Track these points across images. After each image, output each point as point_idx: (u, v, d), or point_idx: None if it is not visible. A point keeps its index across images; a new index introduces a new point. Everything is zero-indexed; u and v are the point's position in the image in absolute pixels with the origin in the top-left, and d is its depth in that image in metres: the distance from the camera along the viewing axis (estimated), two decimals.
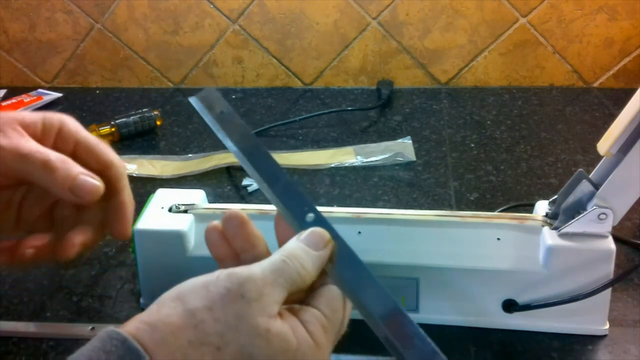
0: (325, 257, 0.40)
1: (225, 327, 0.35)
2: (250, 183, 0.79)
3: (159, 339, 0.34)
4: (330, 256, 0.40)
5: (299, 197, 0.43)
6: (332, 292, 0.40)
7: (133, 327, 0.35)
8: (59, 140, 0.45)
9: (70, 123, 0.46)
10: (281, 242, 0.43)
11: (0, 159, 0.42)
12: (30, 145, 0.42)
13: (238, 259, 0.43)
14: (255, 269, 0.37)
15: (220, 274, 0.37)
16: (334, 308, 0.40)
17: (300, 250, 0.39)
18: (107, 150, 0.46)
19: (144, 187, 0.80)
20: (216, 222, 0.45)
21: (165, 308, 0.35)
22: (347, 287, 0.40)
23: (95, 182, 0.43)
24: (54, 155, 0.42)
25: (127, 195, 0.47)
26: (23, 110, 0.46)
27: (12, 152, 0.41)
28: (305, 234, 0.41)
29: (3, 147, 0.41)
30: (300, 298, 0.40)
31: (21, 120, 0.43)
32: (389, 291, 0.40)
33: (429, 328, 0.55)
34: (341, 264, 0.41)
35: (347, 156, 0.85)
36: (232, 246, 0.44)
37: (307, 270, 0.39)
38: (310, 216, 0.42)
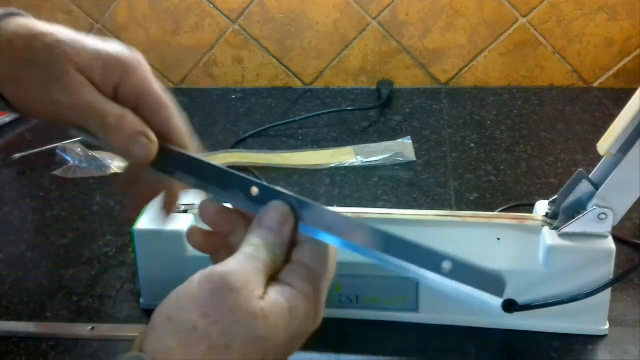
0: (290, 230, 0.40)
1: (225, 324, 0.35)
2: None
3: None
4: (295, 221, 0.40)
5: (235, 179, 0.42)
6: (311, 243, 0.40)
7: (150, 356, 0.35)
8: (119, 91, 0.43)
9: (136, 75, 0.43)
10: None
11: (60, 115, 0.41)
12: (88, 98, 0.41)
13: (228, 244, 0.43)
14: (231, 263, 0.37)
15: (201, 277, 0.36)
16: (314, 255, 0.40)
17: (264, 239, 0.39)
18: (169, 120, 0.43)
19: None
20: (193, 226, 0.45)
21: (163, 334, 0.35)
22: (323, 235, 0.40)
23: (145, 144, 0.41)
24: (112, 113, 0.41)
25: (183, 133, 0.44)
26: (84, 39, 0.42)
27: (70, 109, 0.41)
28: (264, 218, 0.40)
29: (62, 104, 0.41)
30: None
31: (79, 65, 0.41)
32: (361, 221, 0.39)
33: (429, 328, 0.56)
34: (305, 219, 0.40)
35: (347, 156, 0.85)
36: (218, 234, 0.44)
37: (277, 254, 0.39)
38: (255, 191, 0.41)
